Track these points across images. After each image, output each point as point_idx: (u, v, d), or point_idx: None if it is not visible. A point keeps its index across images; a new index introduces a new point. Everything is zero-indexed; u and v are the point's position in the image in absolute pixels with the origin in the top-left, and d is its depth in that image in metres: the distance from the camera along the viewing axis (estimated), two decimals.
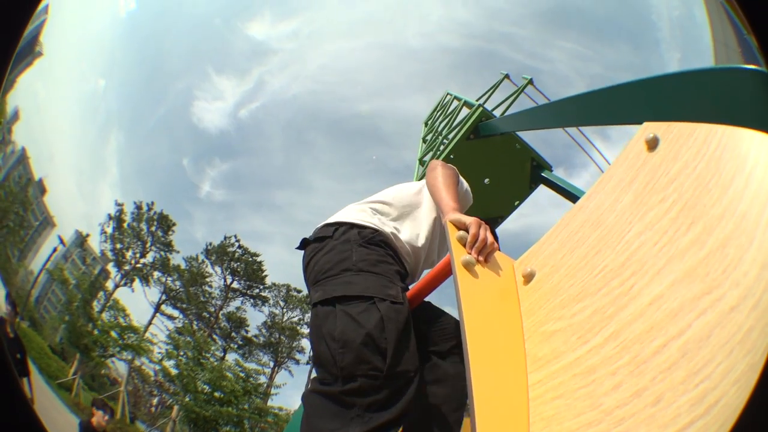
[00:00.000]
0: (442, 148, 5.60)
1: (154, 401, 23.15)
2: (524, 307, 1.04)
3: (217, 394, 19.87)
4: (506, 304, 1.05)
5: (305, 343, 35.43)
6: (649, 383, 0.61)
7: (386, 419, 1.04)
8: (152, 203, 31.62)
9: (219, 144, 51.12)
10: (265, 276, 35.67)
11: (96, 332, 20.11)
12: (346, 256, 1.31)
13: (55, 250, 21.14)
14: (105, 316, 21.59)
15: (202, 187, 46.74)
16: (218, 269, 34.25)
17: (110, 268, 27.47)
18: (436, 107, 8.22)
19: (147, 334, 22.46)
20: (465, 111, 6.08)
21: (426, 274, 1.44)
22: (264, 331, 35.45)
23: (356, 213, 1.50)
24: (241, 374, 21.76)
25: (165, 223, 31.64)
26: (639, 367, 0.65)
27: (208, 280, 33.43)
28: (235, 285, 34.93)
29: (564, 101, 2.23)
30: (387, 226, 1.46)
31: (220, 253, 34.33)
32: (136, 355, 21.52)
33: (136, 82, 40.89)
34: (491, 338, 0.94)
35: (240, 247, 35.29)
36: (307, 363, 34.93)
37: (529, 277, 1.09)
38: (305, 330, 36.27)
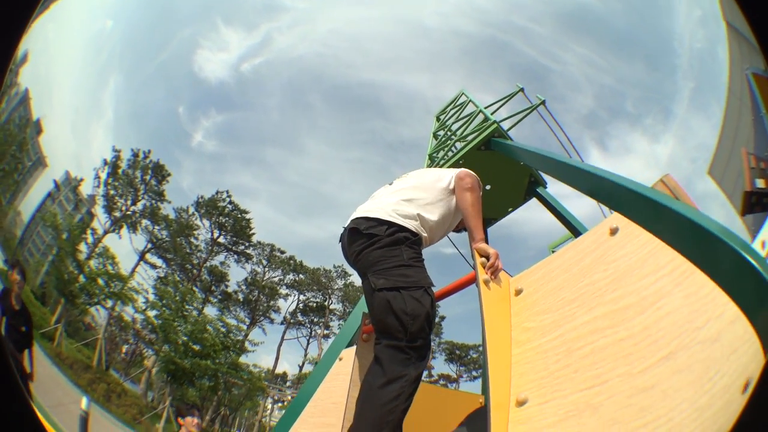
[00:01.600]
0: (453, 150, 6.01)
1: (124, 348, 23.20)
2: (513, 309, 1.69)
3: (195, 347, 19.90)
4: (504, 307, 1.69)
5: (282, 303, 37.34)
6: (575, 360, 1.26)
7: (424, 366, 1.63)
8: (149, 151, 31.59)
9: (217, 95, 50.54)
10: (253, 234, 36.24)
11: (83, 279, 20.01)
12: (397, 254, 1.79)
13: (49, 194, 21.02)
14: (93, 263, 21.38)
15: (194, 137, 46.98)
16: (206, 222, 34.67)
17: (101, 213, 27.52)
18: (450, 104, 8.39)
19: (132, 283, 22.35)
20: (477, 112, 6.46)
21: (454, 281, 2.09)
22: (244, 287, 36.27)
23: (402, 215, 1.91)
24: (222, 329, 21.87)
25: (160, 173, 31.62)
26: (572, 353, 1.29)
27: (195, 232, 33.78)
28: (221, 240, 35.49)
29: (576, 169, 2.59)
30: (422, 231, 1.97)
31: (210, 207, 34.64)
32: (119, 304, 21.53)
33: (143, 25, 40.45)
34: (496, 326, 1.57)
35: (231, 202, 35.69)
36: (282, 323, 36.94)
37: (518, 292, 1.74)
38: (284, 290, 37.75)
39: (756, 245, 2.31)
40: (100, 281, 20.28)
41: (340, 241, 2.14)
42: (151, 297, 22.32)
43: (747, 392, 0.88)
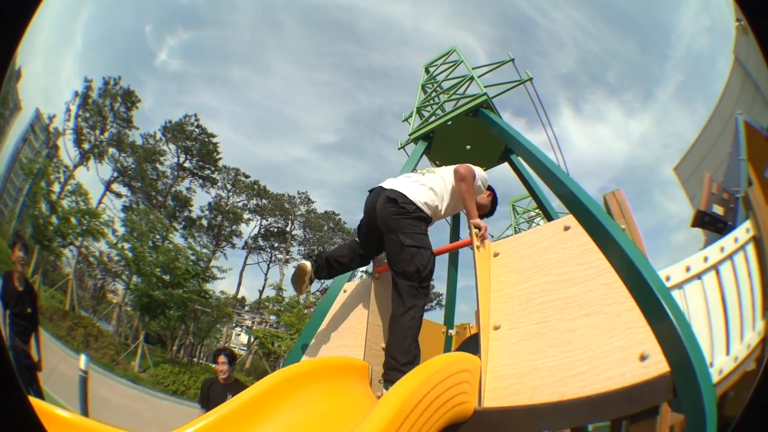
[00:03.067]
0: (442, 110, 6.40)
1: (90, 284, 22.83)
2: (492, 267, 2.38)
3: (165, 277, 19.59)
4: (487, 264, 2.38)
5: (243, 228, 37.49)
6: (530, 305, 1.98)
7: (427, 298, 2.38)
8: (119, 78, 29.98)
9: (186, 11, 47.24)
10: (220, 158, 35.59)
11: (55, 221, 19.23)
12: (419, 225, 2.50)
13: (25, 140, 19.95)
14: (65, 202, 20.37)
15: (158, 56, 44.04)
16: (173, 147, 33.69)
17: (71, 147, 26.51)
18: (440, 58, 8.45)
19: (104, 217, 21.31)
20: (468, 77, 6.77)
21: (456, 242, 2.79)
22: (207, 212, 35.95)
23: (425, 205, 2.57)
24: (192, 256, 21.39)
25: (129, 99, 30.31)
26: (529, 301, 2.00)
27: (161, 158, 32.93)
28: (186, 165, 34.69)
29: (546, 169, 3.08)
30: (433, 216, 2.66)
31: (177, 131, 33.58)
32: (91, 240, 20.90)
33: None
34: (483, 277, 2.26)
35: (198, 126, 34.60)
36: (243, 248, 37.22)
37: (496, 254, 2.44)
38: (247, 216, 37.85)
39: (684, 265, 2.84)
40: (73, 220, 19.61)
41: (370, 192, 2.78)
42: (120, 230, 21.63)
43: (646, 362, 1.50)
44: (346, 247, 2.89)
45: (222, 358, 4.70)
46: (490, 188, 3.09)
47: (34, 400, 1.11)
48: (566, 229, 2.21)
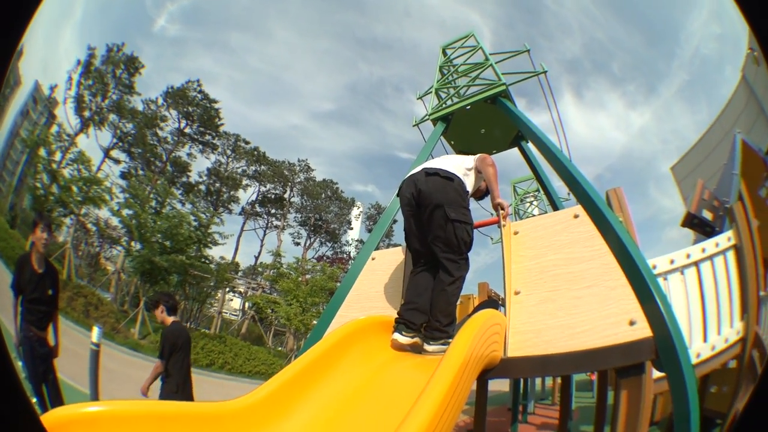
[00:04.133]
0: (460, 95, 6.67)
1: (85, 252, 22.46)
2: (512, 243, 2.80)
3: (167, 243, 19.44)
4: (509, 240, 2.79)
5: (241, 194, 37.59)
6: (544, 276, 2.43)
7: (467, 270, 2.56)
8: (123, 44, 29.77)
9: None
10: (222, 124, 35.48)
11: (56, 190, 19.11)
12: (463, 198, 2.63)
13: (24, 113, 19.61)
14: (66, 171, 20.24)
15: (157, 21, 44.38)
16: (174, 113, 33.52)
17: (71, 115, 26.33)
18: (457, 40, 8.57)
19: (107, 184, 21.34)
20: (488, 65, 6.99)
21: (485, 220, 3.24)
22: (206, 178, 35.94)
23: (461, 176, 2.73)
24: (194, 222, 21.31)
25: (132, 65, 30.13)
26: (543, 273, 2.44)
27: (162, 124, 32.83)
28: (187, 130, 34.55)
29: (559, 161, 3.34)
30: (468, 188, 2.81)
31: (179, 97, 33.35)
32: (93, 207, 20.84)
33: None
34: (507, 249, 2.69)
35: (201, 92, 34.34)
36: (240, 214, 37.44)
37: (516, 233, 2.85)
38: (245, 182, 37.87)
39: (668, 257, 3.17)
40: (74, 189, 19.47)
41: (412, 177, 2.80)
42: (121, 196, 21.55)
43: (634, 326, 1.93)
44: (412, 279, 2.76)
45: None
46: None
47: (44, 417, 1.07)
48: (575, 217, 2.64)
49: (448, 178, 2.66)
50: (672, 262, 3.08)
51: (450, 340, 2.22)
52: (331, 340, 2.07)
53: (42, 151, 20.14)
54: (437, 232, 2.55)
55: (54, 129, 23.40)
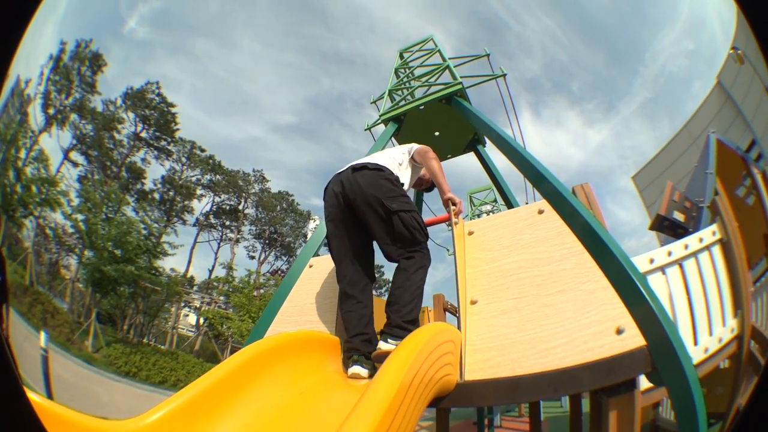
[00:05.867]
0: (414, 95, 6.37)
1: (45, 258, 21.48)
2: (467, 244, 2.36)
3: (117, 252, 18.70)
4: (462, 241, 2.36)
5: (196, 204, 36.99)
6: (507, 281, 1.98)
7: (429, 257, 2.19)
8: (90, 40, 29.04)
9: None
10: (177, 129, 34.87)
11: (19, 189, 18.48)
12: (399, 187, 2.30)
13: (4, 108, 18.88)
14: (28, 170, 19.73)
15: (128, 23, 43.86)
16: (131, 115, 32.88)
17: (38, 112, 25.68)
18: (416, 44, 8.45)
19: (61, 186, 20.56)
20: (444, 66, 6.79)
21: (433, 217, 2.80)
22: (160, 186, 35.00)
23: (390, 167, 2.42)
24: (144, 231, 20.56)
25: (96, 62, 29.40)
26: (505, 277, 1.99)
27: (119, 126, 32.10)
28: (143, 134, 33.86)
29: (520, 156, 3.04)
30: (402, 179, 2.49)
31: (137, 99, 32.72)
32: (48, 210, 19.94)
33: None
34: (459, 251, 2.24)
35: (159, 94, 33.84)
36: (194, 225, 36.64)
37: (471, 233, 2.42)
38: (199, 191, 37.37)
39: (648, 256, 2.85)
40: (34, 189, 18.78)
41: (338, 175, 2.45)
42: (75, 200, 20.84)
43: (622, 335, 1.54)
44: (353, 308, 2.24)
45: None
46: None
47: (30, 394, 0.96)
48: (540, 212, 2.25)
49: (378, 169, 2.34)
50: (652, 261, 2.73)
51: None
52: (249, 354, 1.66)
53: (13, 149, 19.60)
54: (383, 231, 2.21)
55: (23, 126, 22.67)
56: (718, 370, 3.06)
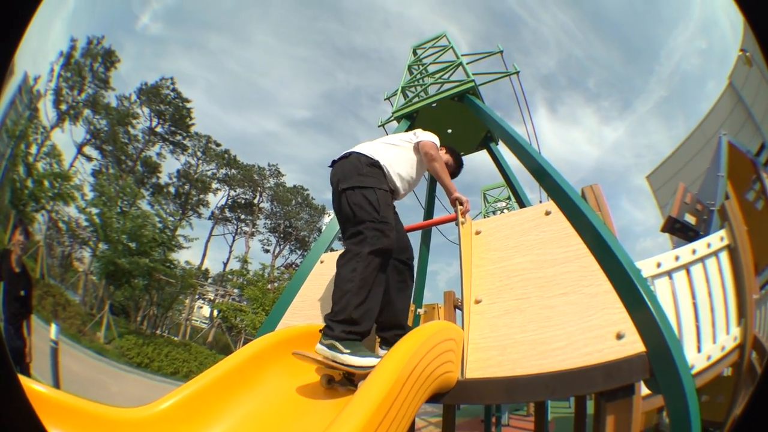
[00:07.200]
0: (427, 93, 6.39)
1: (58, 251, 21.75)
2: (473, 244, 2.40)
3: (131, 245, 18.65)
4: (469, 241, 2.39)
5: (211, 198, 37.12)
6: (511, 281, 2.00)
7: (382, 245, 1.96)
8: (102, 37, 29.23)
9: None
10: (193, 124, 35.00)
11: (30, 184, 18.49)
12: (365, 167, 2.19)
13: (12, 104, 18.95)
14: (40, 165, 19.84)
15: (141, 19, 43.72)
16: (146, 110, 33.06)
17: (50, 108, 25.73)
18: (429, 41, 8.44)
19: (75, 181, 20.78)
20: (457, 63, 6.78)
21: (440, 217, 2.81)
22: (175, 180, 35.29)
23: (375, 152, 2.31)
24: (159, 224, 20.34)
25: (109, 59, 29.67)
26: (510, 278, 2.02)
27: (134, 121, 32.35)
28: (158, 129, 34.04)
29: (530, 156, 3.03)
30: (384, 161, 2.30)
31: (152, 94, 32.99)
32: (61, 204, 19.96)
33: None
34: (466, 252, 2.27)
35: (174, 90, 33.95)
36: (209, 218, 36.91)
37: (478, 233, 2.45)
38: (215, 185, 37.44)
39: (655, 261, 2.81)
40: (46, 183, 18.90)
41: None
42: (89, 194, 20.89)
43: (622, 340, 1.55)
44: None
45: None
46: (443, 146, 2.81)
47: (24, 380, 0.99)
48: (547, 213, 2.27)
49: (346, 156, 2.32)
50: (659, 265, 2.72)
51: (337, 343, 1.73)
52: (258, 346, 1.77)
53: (23, 145, 19.67)
54: (338, 215, 2.21)
55: (33, 121, 22.80)
56: (720, 378, 3.03)
